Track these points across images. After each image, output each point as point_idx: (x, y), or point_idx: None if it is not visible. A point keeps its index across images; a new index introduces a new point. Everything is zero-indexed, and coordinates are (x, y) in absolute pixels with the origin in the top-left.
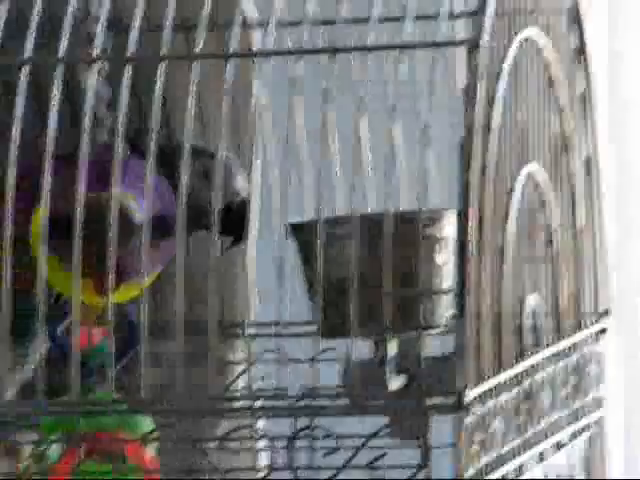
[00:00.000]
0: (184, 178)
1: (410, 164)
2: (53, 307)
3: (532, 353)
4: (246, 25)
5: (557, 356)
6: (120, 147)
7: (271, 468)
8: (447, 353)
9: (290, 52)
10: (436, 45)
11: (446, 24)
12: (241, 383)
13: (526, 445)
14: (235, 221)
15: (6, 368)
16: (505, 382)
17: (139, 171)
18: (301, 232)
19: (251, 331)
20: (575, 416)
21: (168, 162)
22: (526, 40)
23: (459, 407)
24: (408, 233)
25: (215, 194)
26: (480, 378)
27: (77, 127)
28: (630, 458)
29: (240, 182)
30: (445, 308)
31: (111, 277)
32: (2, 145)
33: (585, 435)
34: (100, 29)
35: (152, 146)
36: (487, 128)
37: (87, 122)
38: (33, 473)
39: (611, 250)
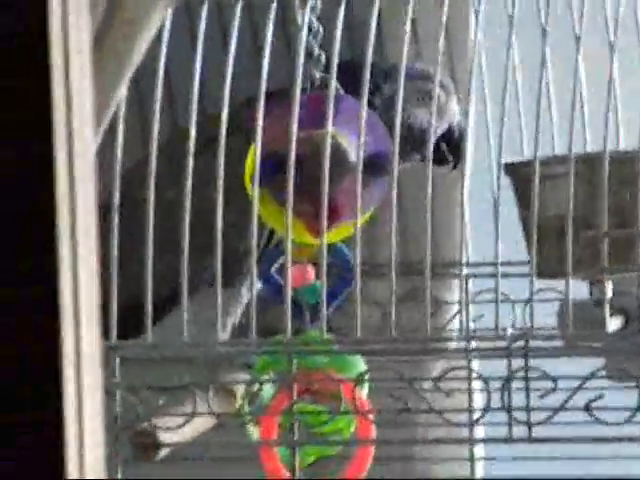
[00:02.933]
0: (399, 104)
1: (628, 103)
2: (266, 247)
3: None
4: None
5: None
6: (333, 84)
7: (486, 409)
8: None
9: None
10: None
11: None
12: (456, 323)
13: None
14: (453, 144)
15: (219, 308)
16: None
17: (352, 108)
18: (517, 171)
19: (466, 271)
20: None
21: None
22: None
23: None
24: (627, 173)
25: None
26: None
27: (292, 63)
28: None
29: (454, 103)
30: None
31: (324, 216)
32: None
33: None
34: None
35: (366, 82)
36: None
37: (301, 58)
38: (247, 412)
39: None
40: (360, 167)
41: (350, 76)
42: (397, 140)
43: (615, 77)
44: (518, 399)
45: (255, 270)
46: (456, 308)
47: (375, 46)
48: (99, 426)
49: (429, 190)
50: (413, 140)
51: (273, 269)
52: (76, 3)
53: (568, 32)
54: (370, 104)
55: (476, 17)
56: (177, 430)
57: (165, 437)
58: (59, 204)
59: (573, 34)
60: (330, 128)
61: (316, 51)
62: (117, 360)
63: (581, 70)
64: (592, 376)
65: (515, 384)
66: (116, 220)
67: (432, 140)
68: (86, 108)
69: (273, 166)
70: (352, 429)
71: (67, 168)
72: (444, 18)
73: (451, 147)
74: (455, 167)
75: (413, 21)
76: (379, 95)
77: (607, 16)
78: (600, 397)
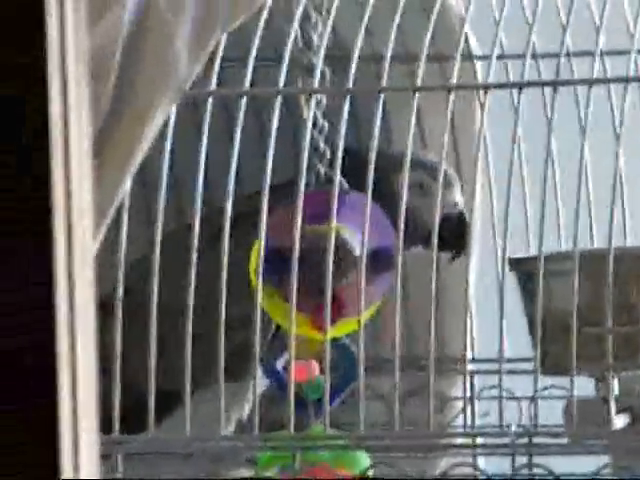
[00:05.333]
0: (404, 194)
1: (634, 199)
2: (272, 342)
3: None
4: (470, 57)
5: None
6: (338, 180)
7: None
8: None
9: (512, 84)
10: None
11: None
12: (461, 420)
13: None
14: (454, 233)
15: (224, 404)
16: None
17: (358, 204)
18: (523, 266)
19: (471, 367)
20: None
21: (384, 177)
22: None
23: None
24: (632, 269)
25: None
26: None
27: (297, 159)
28: None
29: (458, 194)
30: None
31: (329, 311)
32: (223, 177)
33: None
34: (319, 60)
35: (370, 178)
36: None
37: (305, 154)
38: None
39: None
40: (364, 262)
41: (354, 166)
42: (402, 234)
43: (621, 170)
44: None
45: (259, 365)
46: (461, 404)
47: (382, 139)
48: None
49: (434, 284)
50: (411, 231)
51: (278, 365)
52: (77, 98)
53: (574, 125)
54: (379, 194)
55: (481, 109)
56: None
57: None
58: (58, 300)
59: (579, 127)
60: (334, 223)
61: (321, 146)
62: (119, 455)
63: (587, 163)
64: (597, 474)
65: None
66: (120, 315)
67: (436, 232)
68: (85, 217)
69: (277, 261)
70: None
71: (65, 264)
72: (450, 110)
73: (450, 237)
74: (455, 258)
75: (418, 112)
76: (388, 184)
77: (613, 107)
78: None
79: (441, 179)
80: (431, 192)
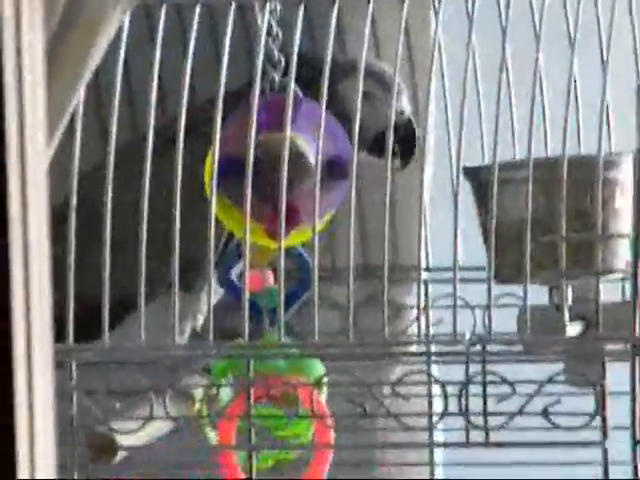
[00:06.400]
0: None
1: (588, 106)
2: (225, 251)
3: None
4: None
5: None
6: (292, 88)
7: (444, 414)
8: (625, 299)
9: None
10: None
11: None
12: (415, 328)
13: None
14: (402, 141)
15: (177, 311)
16: None
17: (312, 112)
18: (477, 176)
19: (425, 275)
20: None
21: (332, 84)
22: None
23: (636, 353)
24: (586, 177)
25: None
26: None
27: (251, 67)
28: None
29: (405, 101)
30: (624, 253)
31: (283, 220)
32: (177, 86)
33: None
34: None
35: (325, 86)
36: None
37: (260, 61)
38: (205, 416)
39: None
40: (319, 170)
41: (309, 70)
42: (356, 141)
43: (575, 79)
44: (476, 404)
45: (213, 274)
46: (415, 313)
47: (336, 44)
48: (51, 428)
49: (388, 191)
50: (359, 138)
51: (232, 274)
52: (30, 6)
53: (529, 34)
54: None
55: (436, 18)
56: (134, 433)
57: (122, 440)
58: (11, 208)
59: (534, 35)
60: (289, 131)
61: (276, 54)
62: (73, 363)
63: (542, 72)
64: (550, 381)
65: (473, 389)
66: (73, 223)
67: (391, 139)
68: (39, 115)
69: (232, 169)
70: (311, 434)
71: (19, 173)
72: (404, 19)
73: (399, 142)
74: (406, 164)
75: (373, 21)
76: (334, 91)
77: (569, 18)
78: (557, 402)
79: (394, 87)
80: (376, 100)
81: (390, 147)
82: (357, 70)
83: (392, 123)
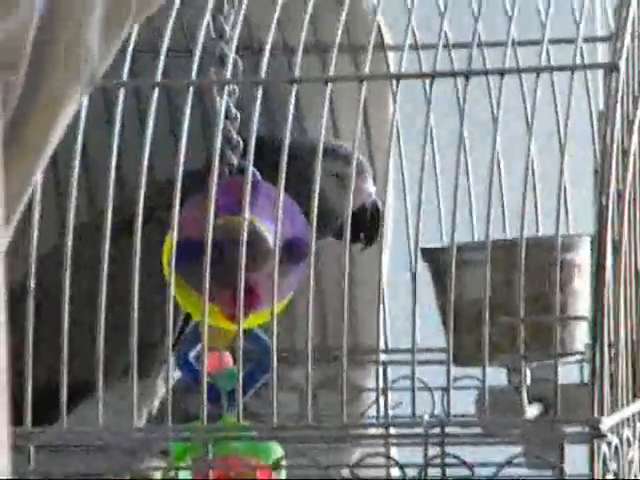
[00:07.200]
0: (317, 181)
1: (546, 189)
2: (182, 334)
3: None
4: (382, 47)
5: None
6: (251, 170)
7: None
8: (583, 381)
9: (425, 75)
10: (574, 68)
11: (583, 47)
12: (374, 411)
13: None
14: (369, 223)
15: (137, 396)
16: None
17: (270, 195)
18: (434, 257)
19: (384, 357)
20: None
21: (300, 167)
22: None
23: (595, 436)
24: (544, 259)
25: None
26: (616, 406)
27: (210, 149)
28: None
29: (371, 182)
30: (582, 335)
31: (242, 302)
32: (135, 168)
33: None
34: (232, 50)
35: (283, 167)
36: (624, 152)
37: (218, 144)
38: None
39: None
40: (278, 253)
41: (266, 154)
42: (314, 224)
43: (533, 160)
44: None
45: (171, 357)
46: (374, 395)
47: (295, 129)
48: None
49: (346, 275)
50: (324, 222)
51: (191, 356)
52: None
53: (487, 114)
54: (295, 185)
55: (394, 99)
56: None
57: None
58: None
59: (492, 118)
60: (248, 214)
61: (234, 137)
62: (31, 447)
63: (499, 154)
64: (509, 463)
65: (432, 471)
66: (31, 306)
67: (349, 222)
68: None
69: (190, 252)
70: None
71: None
72: (362, 98)
73: (363, 226)
74: (367, 246)
75: (331, 102)
76: (304, 174)
77: (525, 100)
78: None
79: (355, 168)
80: (347, 182)
81: (350, 231)
82: (330, 153)
83: (356, 204)
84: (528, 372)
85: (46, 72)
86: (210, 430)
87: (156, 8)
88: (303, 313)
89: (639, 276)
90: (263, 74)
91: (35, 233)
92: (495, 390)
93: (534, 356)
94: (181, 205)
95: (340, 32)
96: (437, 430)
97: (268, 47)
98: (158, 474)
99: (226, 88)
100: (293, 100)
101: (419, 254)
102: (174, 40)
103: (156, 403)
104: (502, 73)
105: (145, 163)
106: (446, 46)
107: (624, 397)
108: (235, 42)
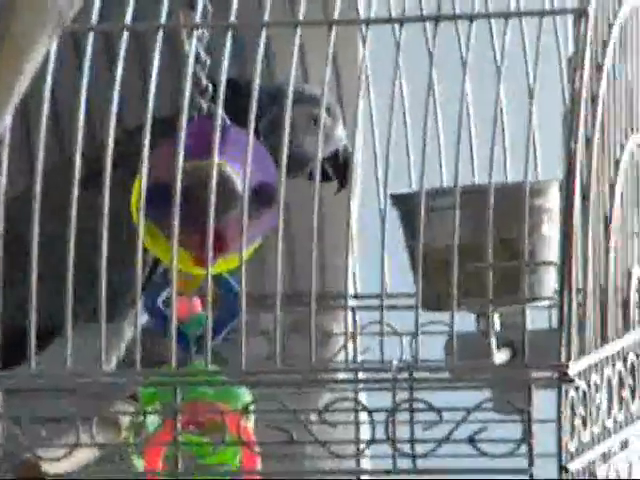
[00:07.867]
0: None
1: (515, 135)
2: (150, 279)
3: (638, 327)
4: None
5: None
6: (220, 115)
7: (371, 441)
8: (552, 326)
9: (394, 20)
10: (543, 14)
11: None
12: (343, 355)
13: (629, 420)
14: (340, 166)
15: (104, 339)
16: (609, 356)
17: (239, 139)
18: (404, 203)
19: (353, 303)
20: None
21: (277, 112)
22: (636, 9)
23: (563, 381)
24: (514, 204)
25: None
26: (584, 352)
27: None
28: None
29: (341, 127)
30: (551, 281)
31: (210, 247)
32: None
33: None
34: None
35: (252, 116)
36: (593, 97)
37: (188, 88)
38: (132, 443)
39: None
40: (247, 197)
41: (237, 97)
42: (284, 169)
43: (501, 105)
44: (404, 431)
45: (140, 302)
46: (343, 340)
47: (263, 68)
48: None
49: (315, 218)
50: (298, 165)
51: (159, 301)
52: None
53: (458, 60)
54: (254, 129)
55: (363, 42)
56: (60, 461)
57: (48, 468)
58: None
59: (461, 61)
60: (217, 158)
61: (203, 81)
62: (0, 392)
63: (469, 99)
64: (477, 408)
65: (401, 416)
66: (0, 248)
67: (319, 166)
68: None
69: (159, 197)
70: (238, 461)
71: None
72: (332, 44)
73: (336, 170)
74: (340, 189)
75: (301, 45)
76: (264, 118)
77: (494, 42)
78: (484, 429)
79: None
80: (315, 126)
81: (322, 174)
82: (308, 98)
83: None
84: (497, 318)
85: (13, 17)
86: (179, 375)
87: None
88: (272, 258)
89: (607, 222)
90: (233, 18)
91: (4, 177)
92: (464, 335)
93: (502, 301)
94: (151, 151)
95: None
96: (406, 375)
97: None
98: (126, 418)
99: (195, 32)
100: (262, 44)
101: (388, 200)
102: None
103: (123, 347)
104: (471, 18)
105: (114, 109)
106: None
107: (592, 343)
108: None
